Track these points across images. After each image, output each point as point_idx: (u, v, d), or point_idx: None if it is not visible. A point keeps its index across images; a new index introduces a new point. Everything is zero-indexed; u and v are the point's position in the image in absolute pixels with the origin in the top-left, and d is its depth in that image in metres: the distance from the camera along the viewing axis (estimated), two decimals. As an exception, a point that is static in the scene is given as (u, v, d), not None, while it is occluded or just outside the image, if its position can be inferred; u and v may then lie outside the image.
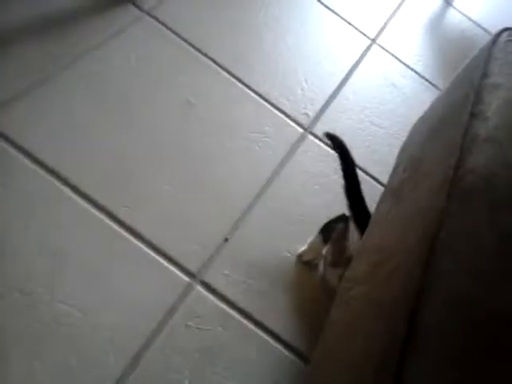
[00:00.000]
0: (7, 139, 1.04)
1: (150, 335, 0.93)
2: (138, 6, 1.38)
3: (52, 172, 1.03)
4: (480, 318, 0.45)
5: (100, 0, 1.34)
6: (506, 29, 0.75)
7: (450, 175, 0.54)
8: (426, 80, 1.62)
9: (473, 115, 0.61)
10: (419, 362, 0.43)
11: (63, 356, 0.87)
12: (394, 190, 0.82)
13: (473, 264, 0.48)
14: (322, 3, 1.67)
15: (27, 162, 1.03)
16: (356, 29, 1.65)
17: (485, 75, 0.67)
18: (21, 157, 1.03)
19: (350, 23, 1.66)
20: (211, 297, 1.01)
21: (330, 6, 1.67)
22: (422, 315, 0.45)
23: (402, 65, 1.62)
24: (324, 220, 1.09)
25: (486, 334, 0.45)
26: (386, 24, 1.72)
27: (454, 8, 1.91)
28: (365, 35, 1.65)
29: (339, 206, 1.24)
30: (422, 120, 0.96)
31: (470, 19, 1.88)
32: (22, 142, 1.05)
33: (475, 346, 0.44)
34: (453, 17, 1.89)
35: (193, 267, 1.03)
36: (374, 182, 1.32)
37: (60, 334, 0.88)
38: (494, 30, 1.86)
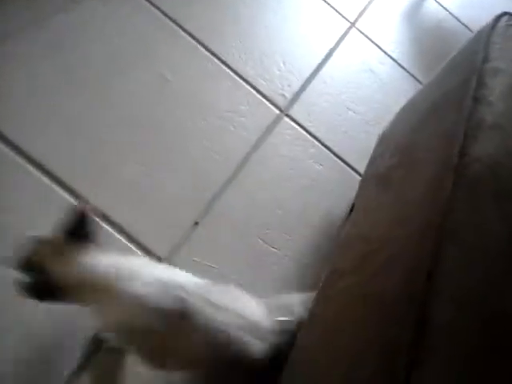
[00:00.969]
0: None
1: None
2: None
3: (13, 146, 0.95)
4: (488, 315, 0.42)
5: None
6: (505, 13, 0.71)
7: (455, 162, 0.50)
8: (403, 67, 1.59)
9: (476, 100, 0.57)
10: (430, 358, 0.39)
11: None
12: (379, 178, 0.79)
13: (481, 258, 0.44)
14: (302, -18, 1.61)
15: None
16: (336, 10, 1.60)
17: (486, 59, 0.63)
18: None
19: (329, 4, 1.60)
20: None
21: (310, -14, 1.61)
22: (431, 308, 0.41)
23: (380, 51, 1.59)
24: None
25: (494, 333, 0.41)
26: (365, 8, 1.67)
27: (432, -3, 1.89)
28: (344, 18, 1.60)
29: (314, 191, 1.21)
30: (408, 107, 0.93)
31: (446, 9, 1.86)
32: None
33: (485, 345, 0.40)
34: (430, 6, 1.86)
35: (161, 252, 0.97)
36: (350, 170, 1.28)
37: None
38: (469, 21, 1.83)
